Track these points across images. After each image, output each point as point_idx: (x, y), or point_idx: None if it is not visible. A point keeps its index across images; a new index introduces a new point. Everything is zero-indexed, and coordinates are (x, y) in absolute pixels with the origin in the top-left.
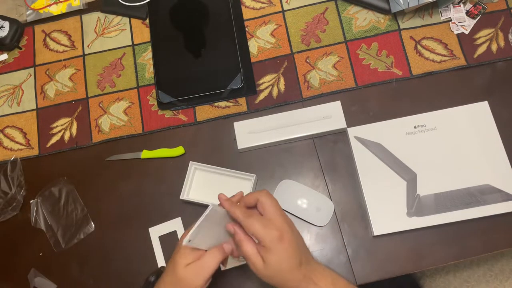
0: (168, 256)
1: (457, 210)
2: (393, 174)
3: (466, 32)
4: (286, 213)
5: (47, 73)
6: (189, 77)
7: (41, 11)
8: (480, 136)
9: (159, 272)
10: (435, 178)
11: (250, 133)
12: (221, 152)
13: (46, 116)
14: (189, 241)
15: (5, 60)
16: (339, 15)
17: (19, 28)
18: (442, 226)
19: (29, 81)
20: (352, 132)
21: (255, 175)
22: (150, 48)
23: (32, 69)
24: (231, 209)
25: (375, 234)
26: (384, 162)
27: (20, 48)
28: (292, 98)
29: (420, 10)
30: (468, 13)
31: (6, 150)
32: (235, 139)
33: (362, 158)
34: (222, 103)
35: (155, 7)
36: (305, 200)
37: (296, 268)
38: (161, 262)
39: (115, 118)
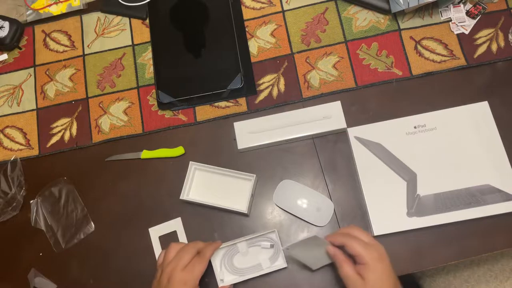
0: None
1: (457, 210)
2: (393, 174)
3: (466, 32)
4: (286, 213)
5: (47, 73)
6: (189, 77)
7: (41, 11)
8: (480, 136)
9: None
10: (435, 178)
11: (250, 133)
12: (221, 152)
13: (46, 116)
14: (287, 249)
15: (5, 60)
16: (339, 15)
17: (19, 28)
18: (442, 226)
19: (29, 81)
20: (352, 132)
21: (255, 175)
22: (150, 48)
23: (32, 69)
24: (333, 236)
25: (375, 234)
26: (384, 162)
27: (20, 48)
28: (292, 98)
29: (420, 10)
30: (468, 13)
31: (6, 150)
32: (235, 139)
33: (362, 158)
34: (222, 103)
35: (155, 7)
36: (305, 200)
37: None
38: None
39: (115, 118)
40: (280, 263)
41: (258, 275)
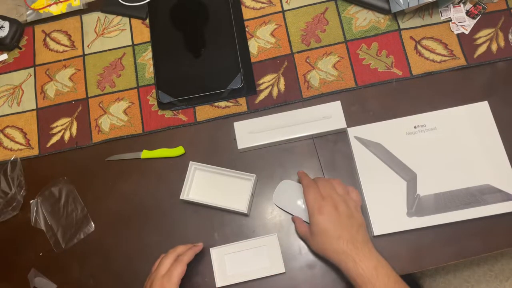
0: None
1: (457, 210)
2: (393, 174)
3: (466, 32)
4: (286, 213)
5: (47, 73)
6: (189, 77)
7: (41, 11)
8: (480, 136)
9: None
10: (435, 178)
11: (250, 133)
12: (221, 152)
13: (46, 116)
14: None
15: (5, 60)
16: (339, 15)
17: (19, 28)
18: (442, 226)
19: (29, 81)
20: (352, 132)
21: (255, 175)
22: (150, 48)
23: (32, 69)
24: (301, 177)
25: (375, 234)
26: (384, 162)
27: (20, 48)
28: (292, 98)
29: (420, 10)
30: (468, 13)
31: (6, 150)
32: (235, 139)
33: (362, 158)
34: (222, 103)
35: (155, 7)
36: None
37: (334, 241)
38: None
39: (115, 118)
40: (279, 268)
41: (255, 278)
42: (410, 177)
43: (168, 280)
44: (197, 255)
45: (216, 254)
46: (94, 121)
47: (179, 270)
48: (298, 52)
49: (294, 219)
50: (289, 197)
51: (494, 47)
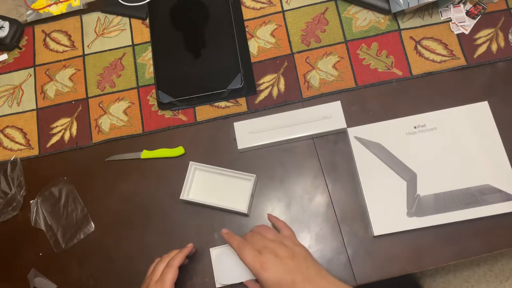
0: None
1: (457, 210)
2: (393, 174)
3: (466, 32)
4: (286, 213)
5: (47, 73)
6: (189, 77)
7: (41, 11)
8: (480, 136)
9: None
10: (435, 178)
11: (250, 133)
12: (221, 152)
13: (46, 116)
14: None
15: (5, 60)
16: (339, 15)
17: (19, 28)
18: (442, 226)
19: (29, 81)
20: (352, 132)
21: (255, 175)
22: (150, 48)
23: (32, 69)
24: (229, 240)
25: (375, 234)
26: (384, 162)
27: (20, 48)
28: (292, 98)
29: (420, 10)
30: (468, 13)
31: (6, 150)
32: (235, 139)
33: (362, 158)
34: (222, 103)
35: (155, 7)
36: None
37: None
38: None
39: (115, 118)
40: None
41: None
42: (410, 177)
43: (161, 286)
44: (197, 255)
45: (216, 254)
46: (94, 121)
47: (171, 275)
48: (298, 52)
49: (246, 284)
50: (229, 267)
51: (494, 47)
